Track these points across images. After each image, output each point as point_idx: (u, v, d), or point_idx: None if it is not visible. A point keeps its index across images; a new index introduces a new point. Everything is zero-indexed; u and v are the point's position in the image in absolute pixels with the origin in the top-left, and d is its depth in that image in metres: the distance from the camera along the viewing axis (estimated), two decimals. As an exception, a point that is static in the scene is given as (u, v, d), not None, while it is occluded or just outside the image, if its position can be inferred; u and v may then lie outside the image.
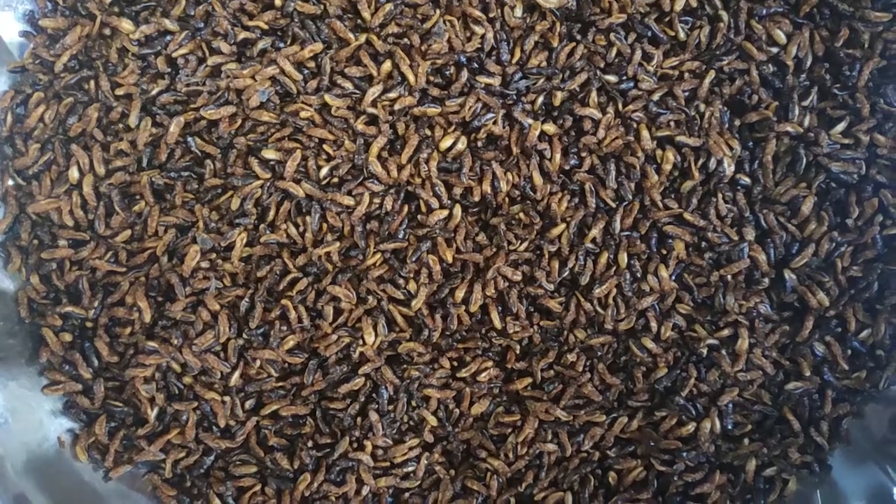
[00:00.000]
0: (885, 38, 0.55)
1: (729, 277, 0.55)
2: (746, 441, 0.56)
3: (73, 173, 0.56)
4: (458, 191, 0.56)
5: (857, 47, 0.56)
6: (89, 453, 0.55)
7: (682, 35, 0.57)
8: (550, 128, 0.56)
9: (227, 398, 0.55)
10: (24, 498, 0.51)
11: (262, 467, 0.56)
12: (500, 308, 0.56)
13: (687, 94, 0.57)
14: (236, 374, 0.55)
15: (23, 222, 0.57)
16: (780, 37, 0.56)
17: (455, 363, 0.56)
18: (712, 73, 0.57)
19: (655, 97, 0.56)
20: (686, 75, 0.57)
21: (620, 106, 0.56)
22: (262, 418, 0.56)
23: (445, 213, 0.55)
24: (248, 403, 0.56)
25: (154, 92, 0.56)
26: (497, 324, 0.55)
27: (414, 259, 0.55)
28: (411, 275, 0.55)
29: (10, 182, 0.57)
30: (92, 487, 0.55)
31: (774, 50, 0.57)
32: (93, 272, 0.56)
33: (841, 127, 0.56)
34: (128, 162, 0.56)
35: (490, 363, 0.56)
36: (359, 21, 0.56)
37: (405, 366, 0.56)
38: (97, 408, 0.56)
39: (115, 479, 0.55)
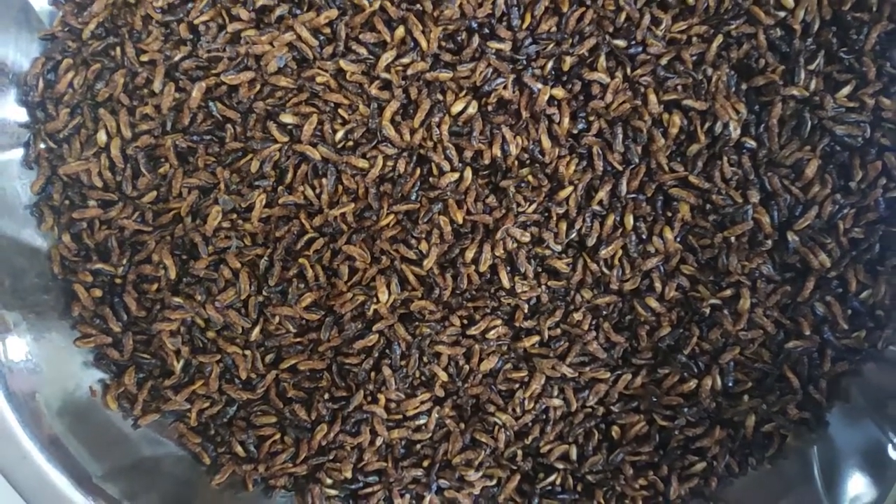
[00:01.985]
0: (894, 1, 0.56)
1: (732, 239, 0.56)
2: (746, 398, 0.58)
3: (102, 136, 0.58)
4: (468, 154, 0.57)
5: (864, 11, 0.56)
6: (119, 402, 0.58)
7: None
8: (559, 92, 0.57)
9: (248, 352, 0.58)
10: (58, 440, 0.53)
11: (282, 418, 0.58)
12: (508, 268, 0.57)
13: (695, 58, 0.57)
14: (256, 330, 0.57)
15: (54, 184, 0.59)
16: (788, 1, 0.57)
17: (465, 321, 0.58)
18: (720, 38, 0.57)
19: (663, 61, 0.57)
20: (694, 39, 0.58)
21: (629, 70, 0.57)
22: (281, 372, 0.58)
23: (456, 175, 0.57)
24: (268, 357, 0.58)
25: (177, 58, 0.57)
26: (506, 283, 0.57)
27: (426, 220, 0.57)
28: (423, 235, 0.57)
29: (42, 145, 0.59)
30: (124, 433, 0.58)
31: (782, 14, 0.57)
32: (121, 231, 0.58)
33: (846, 90, 0.56)
34: (153, 126, 0.58)
35: (499, 321, 0.58)
36: (373, -12, 0.57)
37: (417, 323, 0.58)
38: (126, 359, 0.58)
39: (145, 426, 0.58)
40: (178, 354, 0.58)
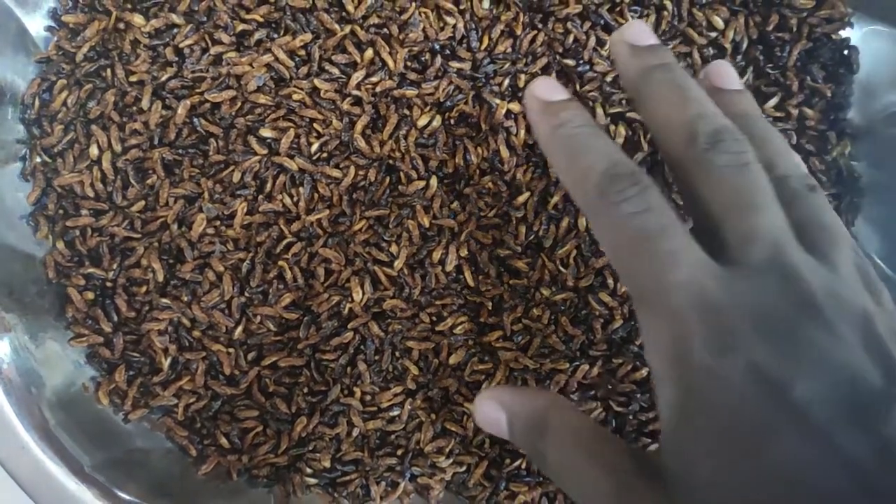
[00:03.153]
0: (810, 22, 0.61)
1: (675, 238, 0.61)
2: (692, 383, 0.62)
3: (93, 150, 0.61)
4: (433, 163, 0.61)
5: (786, 31, 0.62)
6: (110, 398, 0.61)
7: (631, 23, 0.63)
8: (515, 106, 0.62)
9: (231, 350, 0.61)
10: (53, 433, 0.56)
11: (264, 411, 0.61)
12: (473, 268, 0.61)
13: (637, 75, 0.63)
14: (239, 329, 0.60)
15: (49, 195, 0.62)
16: (719, 23, 0.62)
17: (433, 318, 0.61)
18: (659, 56, 0.63)
19: (609, 78, 0.62)
20: (636, 58, 0.63)
21: (578, 86, 0.62)
22: (262, 368, 0.61)
23: (423, 183, 0.61)
24: (251, 355, 0.61)
25: (163, 78, 0.61)
26: (470, 282, 0.61)
27: (395, 224, 0.61)
28: (393, 238, 0.61)
29: (38, 159, 0.62)
30: (115, 427, 0.61)
31: (713, 34, 0.62)
32: (112, 238, 0.61)
33: (773, 102, 0.62)
34: (141, 140, 0.61)
35: (465, 318, 0.61)
36: (343, 13, 0.62)
37: (389, 321, 0.61)
38: (117, 358, 0.61)
39: (135, 420, 0.61)
40: (165, 352, 0.61)
